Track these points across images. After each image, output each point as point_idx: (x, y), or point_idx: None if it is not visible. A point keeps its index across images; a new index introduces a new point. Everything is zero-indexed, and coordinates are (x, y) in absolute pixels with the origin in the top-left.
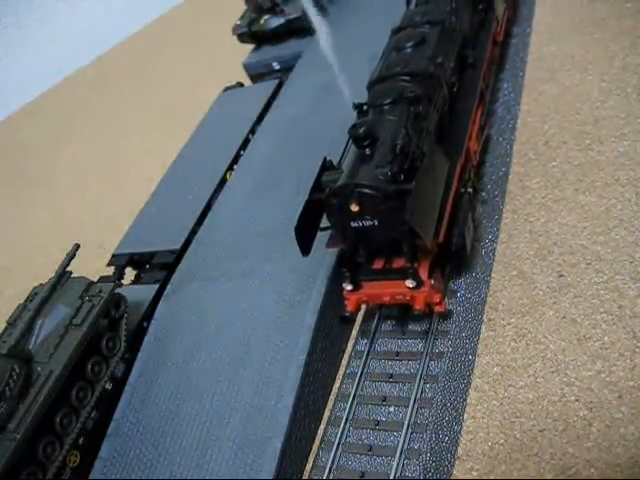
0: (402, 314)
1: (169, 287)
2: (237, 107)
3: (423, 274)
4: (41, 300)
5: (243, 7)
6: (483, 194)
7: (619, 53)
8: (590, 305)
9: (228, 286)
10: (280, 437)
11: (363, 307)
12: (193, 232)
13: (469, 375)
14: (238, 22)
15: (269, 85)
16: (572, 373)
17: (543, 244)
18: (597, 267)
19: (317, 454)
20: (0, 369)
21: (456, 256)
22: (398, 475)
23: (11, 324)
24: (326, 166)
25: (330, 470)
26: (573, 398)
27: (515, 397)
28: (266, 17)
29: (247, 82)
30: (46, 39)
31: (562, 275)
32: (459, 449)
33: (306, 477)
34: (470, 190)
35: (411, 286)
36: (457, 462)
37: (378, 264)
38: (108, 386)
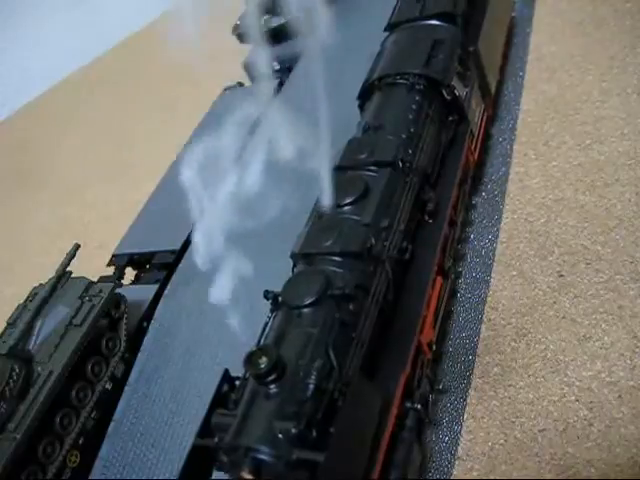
0: None
1: (169, 287)
2: (237, 107)
3: None
4: (41, 300)
5: (243, 7)
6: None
7: (619, 53)
8: (590, 305)
9: None
10: None
11: None
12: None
13: (469, 375)
14: (238, 22)
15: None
16: (572, 373)
17: (543, 244)
18: (597, 267)
19: None
20: (0, 369)
21: None
22: None
23: (11, 324)
24: (221, 392)
25: None
26: (573, 398)
27: (515, 397)
28: (266, 17)
29: (247, 82)
30: (46, 38)
31: (562, 275)
32: (459, 449)
33: None
34: (418, 406)
35: None
36: (457, 462)
37: None
38: (108, 386)
